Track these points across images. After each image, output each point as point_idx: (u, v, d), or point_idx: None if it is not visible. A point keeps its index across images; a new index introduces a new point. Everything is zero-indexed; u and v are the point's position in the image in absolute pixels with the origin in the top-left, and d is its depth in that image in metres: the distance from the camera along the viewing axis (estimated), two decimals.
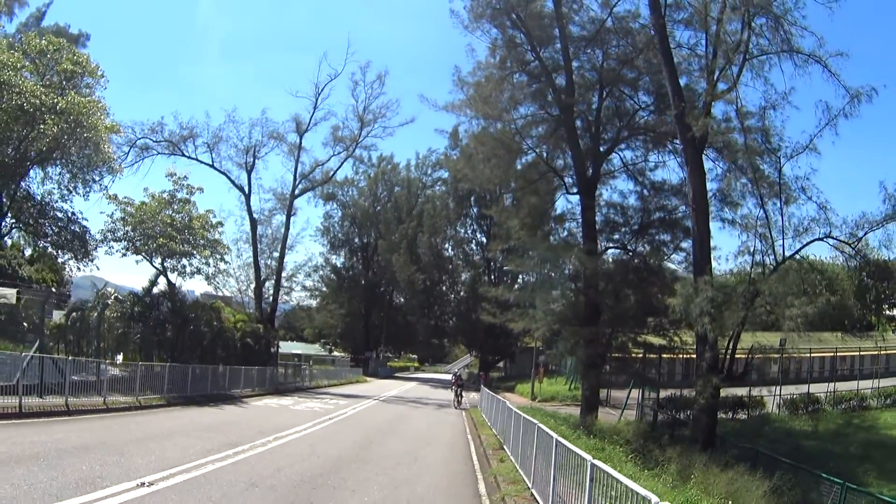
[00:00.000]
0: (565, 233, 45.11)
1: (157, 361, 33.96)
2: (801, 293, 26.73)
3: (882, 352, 52.88)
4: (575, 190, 40.14)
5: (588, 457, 9.78)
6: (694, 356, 34.83)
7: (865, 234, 28.27)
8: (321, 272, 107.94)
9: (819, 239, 28.18)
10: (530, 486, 14.57)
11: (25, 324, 32.32)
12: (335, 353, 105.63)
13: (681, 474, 19.56)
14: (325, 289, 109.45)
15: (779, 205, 29.89)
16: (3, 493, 10.51)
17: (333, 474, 15.40)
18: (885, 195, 27.55)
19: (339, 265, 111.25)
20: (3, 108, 33.04)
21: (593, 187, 39.10)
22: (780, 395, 45.15)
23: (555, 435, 12.74)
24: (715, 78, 30.13)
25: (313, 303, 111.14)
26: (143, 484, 12.16)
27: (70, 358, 26.80)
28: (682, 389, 41.37)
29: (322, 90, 65.57)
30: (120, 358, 32.79)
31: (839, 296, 28.82)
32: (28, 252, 42.86)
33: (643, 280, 38.08)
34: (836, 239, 28.15)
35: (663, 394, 40.83)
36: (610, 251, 42.38)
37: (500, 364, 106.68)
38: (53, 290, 39.72)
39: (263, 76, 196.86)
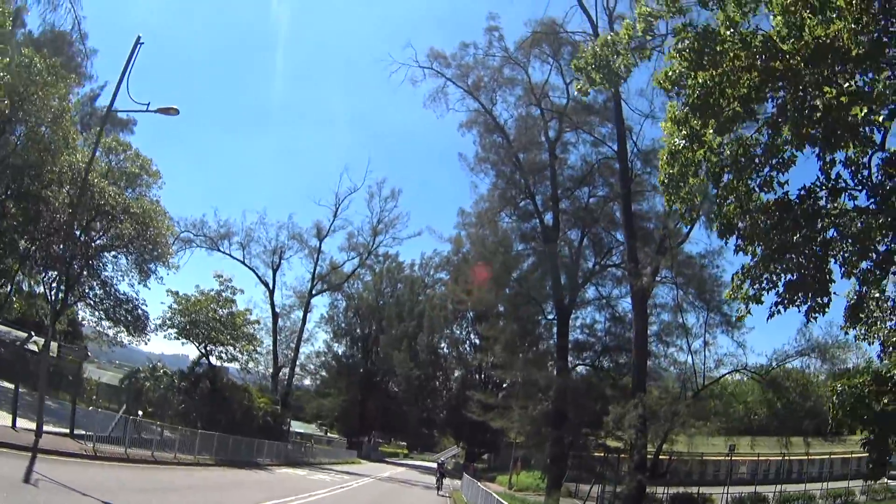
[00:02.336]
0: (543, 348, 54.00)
1: (195, 429, 41.09)
2: (710, 414, 34.97)
3: (830, 456, 55.95)
4: (552, 316, 48.69)
5: None
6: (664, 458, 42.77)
7: (774, 366, 36.43)
8: (323, 358, 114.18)
9: (735, 370, 36.44)
10: None
11: (70, 377, 38.64)
12: (330, 435, 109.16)
13: None
14: (325, 374, 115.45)
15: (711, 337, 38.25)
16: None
17: None
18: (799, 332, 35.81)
19: (340, 353, 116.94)
20: (85, 204, 41.13)
21: (568, 314, 47.71)
22: (728, 494, 49.88)
23: None
24: (666, 245, 38.68)
25: (312, 384, 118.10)
26: None
27: (144, 419, 34.16)
28: (668, 488, 48.40)
29: (342, 201, 75.45)
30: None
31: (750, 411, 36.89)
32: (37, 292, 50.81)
33: (601, 395, 46.22)
34: (748, 370, 36.32)
35: (619, 488, 48.06)
36: (579, 368, 51.01)
37: (485, 456, 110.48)
38: (76, 346, 47.36)
39: (293, 179, 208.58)
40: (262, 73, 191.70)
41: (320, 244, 76.18)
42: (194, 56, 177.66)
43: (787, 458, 58.95)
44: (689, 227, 35.53)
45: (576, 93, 15.11)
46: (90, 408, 32.58)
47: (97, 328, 50.54)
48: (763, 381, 36.71)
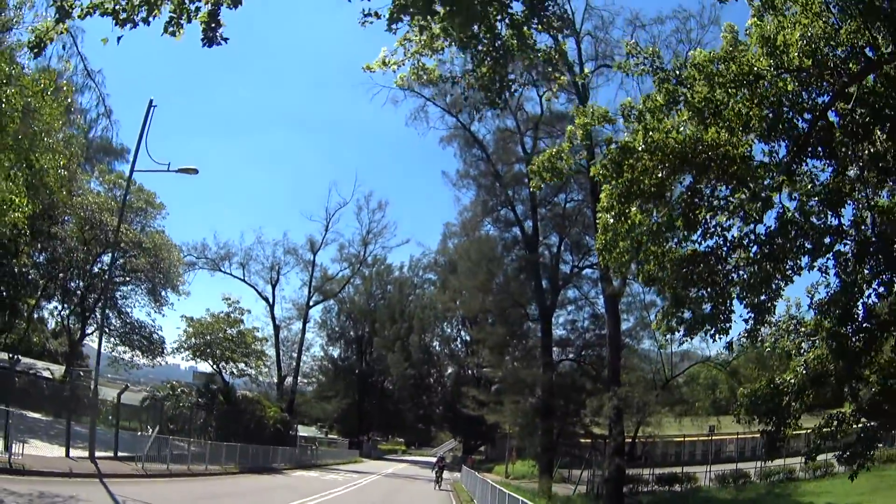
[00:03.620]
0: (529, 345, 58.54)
1: (214, 441, 44.86)
2: (678, 401, 39.40)
3: (806, 432, 60.12)
4: (536, 317, 53.02)
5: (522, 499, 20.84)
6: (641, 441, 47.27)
7: (734, 358, 40.52)
8: (320, 362, 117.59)
9: (699, 362, 40.76)
10: None
11: (84, 400, 39.30)
12: (331, 436, 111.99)
13: None
14: (322, 377, 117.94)
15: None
16: None
17: None
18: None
19: (335, 356, 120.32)
20: (100, 241, 45.02)
21: (551, 315, 52.10)
22: (711, 472, 51.55)
23: (507, 491, 24.05)
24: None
25: (311, 388, 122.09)
26: None
27: (172, 437, 38.01)
28: (640, 469, 52.62)
29: (332, 216, 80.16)
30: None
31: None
32: (51, 325, 54.85)
33: (582, 388, 50.90)
34: (711, 362, 40.67)
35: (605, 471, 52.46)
36: (564, 363, 55.55)
37: (482, 448, 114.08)
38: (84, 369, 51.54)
39: (285, 193, 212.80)
40: (244, 79, 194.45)
41: (314, 258, 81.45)
42: (174, 64, 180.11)
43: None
44: (621, 279, 39.23)
45: (530, 189, 18.33)
46: (110, 428, 34.61)
47: (113, 353, 54.55)
48: (725, 370, 41.09)
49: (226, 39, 9.28)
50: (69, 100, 31.59)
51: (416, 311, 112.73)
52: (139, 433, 37.03)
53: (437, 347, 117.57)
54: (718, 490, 49.32)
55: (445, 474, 52.27)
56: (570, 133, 15.97)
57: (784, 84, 14.11)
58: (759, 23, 14.57)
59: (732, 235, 15.29)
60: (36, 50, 9.52)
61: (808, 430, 19.22)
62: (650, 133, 14.08)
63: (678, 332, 15.79)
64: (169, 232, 54.59)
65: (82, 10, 9.20)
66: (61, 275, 48.28)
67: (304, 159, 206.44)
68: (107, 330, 52.12)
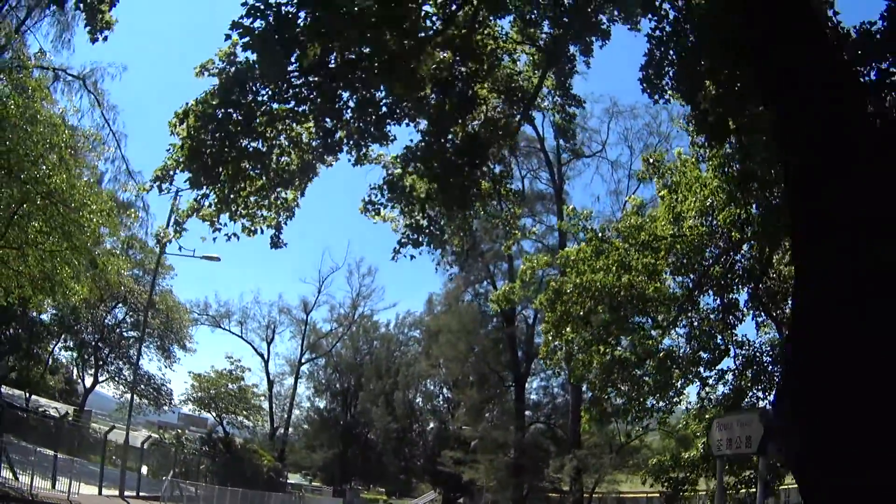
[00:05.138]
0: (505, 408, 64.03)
1: (214, 485, 49.36)
2: (626, 465, 44.74)
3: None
4: (511, 382, 58.44)
5: None
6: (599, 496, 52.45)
7: (684, 426, 45.74)
8: (306, 413, 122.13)
9: (651, 430, 45.86)
10: None
11: (90, 440, 42.57)
12: (314, 484, 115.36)
13: None
14: (308, 427, 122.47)
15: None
16: None
17: None
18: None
19: (321, 407, 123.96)
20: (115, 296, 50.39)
21: (524, 382, 57.60)
22: None
23: None
24: None
25: (296, 437, 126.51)
26: None
27: (181, 480, 42.53)
28: None
29: (325, 279, 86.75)
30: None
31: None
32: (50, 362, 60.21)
33: (547, 449, 56.36)
34: (662, 429, 45.64)
35: None
36: (536, 425, 61.02)
37: (461, 500, 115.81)
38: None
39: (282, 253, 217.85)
40: None
41: (307, 317, 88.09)
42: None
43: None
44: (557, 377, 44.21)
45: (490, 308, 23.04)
46: (115, 467, 36.84)
47: (121, 399, 59.71)
48: (674, 437, 46.23)
49: (285, 244, 14.23)
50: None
51: (400, 368, 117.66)
52: (140, 474, 40.03)
53: (419, 403, 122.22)
54: None
55: None
56: (521, 273, 21.60)
57: (681, 246, 19.53)
58: (665, 195, 20.06)
59: (642, 349, 20.65)
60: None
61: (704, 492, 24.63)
62: (580, 276, 19.52)
63: (599, 421, 21.27)
64: (174, 287, 60.34)
65: (184, 213, 13.83)
66: (76, 326, 53.62)
67: (300, 221, 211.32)
68: (118, 380, 57.50)
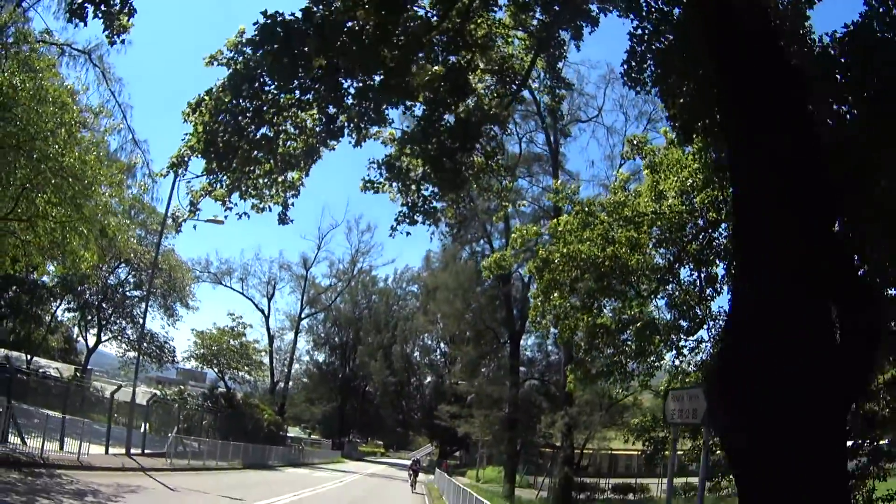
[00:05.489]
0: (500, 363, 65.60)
1: (216, 440, 50.67)
2: (615, 423, 46.31)
3: None
4: (506, 339, 59.84)
5: (482, 500, 27.12)
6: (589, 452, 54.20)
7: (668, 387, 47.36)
8: (306, 367, 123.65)
9: (640, 388, 47.29)
10: None
11: (92, 399, 43.06)
12: (314, 437, 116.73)
13: None
14: (307, 381, 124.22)
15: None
16: (235, 496, 26.65)
17: (364, 500, 34.06)
18: None
19: (320, 361, 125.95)
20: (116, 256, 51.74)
21: (519, 339, 58.93)
22: (662, 483, 54.44)
23: (473, 493, 29.83)
24: None
25: (296, 390, 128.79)
26: (295, 499, 30.59)
27: (184, 436, 43.86)
28: (583, 477, 59.45)
29: (325, 236, 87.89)
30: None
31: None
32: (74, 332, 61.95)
33: (540, 405, 58.01)
34: (650, 389, 47.14)
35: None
36: (530, 381, 62.64)
37: (457, 453, 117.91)
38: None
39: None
40: None
41: (307, 274, 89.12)
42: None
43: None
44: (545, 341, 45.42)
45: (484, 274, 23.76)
46: (121, 426, 37.76)
47: (124, 358, 61.38)
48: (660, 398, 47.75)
49: (292, 220, 15.31)
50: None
51: (398, 322, 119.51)
52: (146, 430, 40.51)
53: (417, 357, 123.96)
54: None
55: (421, 476, 56.47)
56: (512, 241, 22.78)
57: (662, 222, 20.56)
58: (648, 174, 21.06)
59: (624, 316, 21.82)
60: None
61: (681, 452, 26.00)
62: (568, 246, 20.64)
63: (583, 381, 22.60)
64: (176, 246, 61.57)
65: (198, 193, 15.00)
66: (80, 287, 54.91)
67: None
68: (121, 339, 59.02)
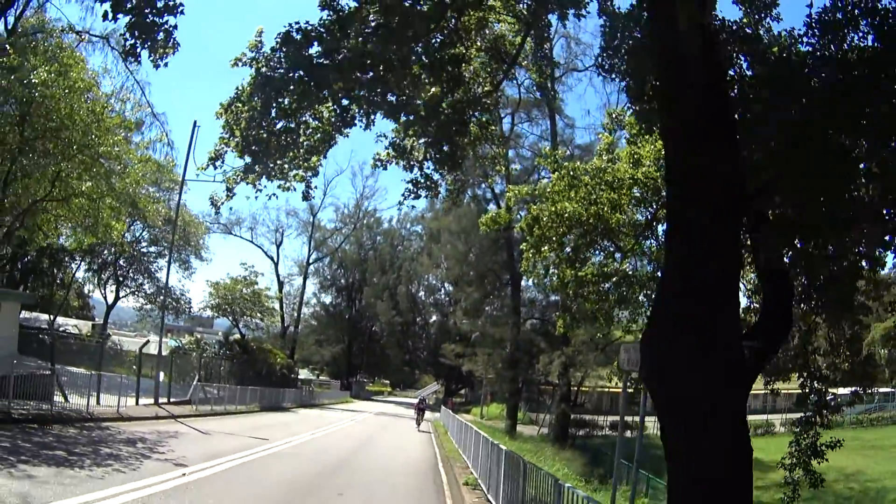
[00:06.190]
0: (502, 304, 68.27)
1: (234, 385, 52.97)
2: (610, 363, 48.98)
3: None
4: (508, 281, 62.39)
5: (487, 437, 29.58)
6: (586, 390, 57.19)
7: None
8: (313, 309, 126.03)
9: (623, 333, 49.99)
10: (462, 453, 31.33)
11: (111, 354, 45.15)
12: (322, 378, 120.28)
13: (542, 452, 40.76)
14: (314, 323, 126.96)
15: None
16: (260, 436, 29.45)
17: (374, 437, 37.02)
18: None
19: (327, 303, 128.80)
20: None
21: (520, 281, 61.38)
22: (657, 422, 62.48)
23: (473, 427, 32.27)
24: None
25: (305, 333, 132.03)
26: (313, 437, 33.30)
27: (204, 383, 46.33)
28: (580, 414, 62.66)
29: (330, 182, 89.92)
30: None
31: None
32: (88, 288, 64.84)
33: (539, 345, 60.83)
34: (632, 334, 49.95)
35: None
36: (531, 321, 65.40)
37: (462, 391, 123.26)
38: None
39: None
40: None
41: (313, 220, 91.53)
42: None
43: None
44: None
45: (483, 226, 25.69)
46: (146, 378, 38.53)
47: (141, 311, 64.56)
48: None
49: (314, 197, 17.70)
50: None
51: (403, 263, 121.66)
52: (195, 383, 42.68)
53: (422, 297, 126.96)
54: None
55: (427, 415, 58.42)
56: (507, 199, 25.11)
57: (640, 187, 22.72)
58: (628, 145, 23.17)
59: (608, 270, 24.16)
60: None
61: None
62: (555, 205, 22.90)
63: (570, 325, 25.16)
64: (187, 202, 64.23)
65: (232, 179, 17.28)
66: (98, 247, 57.29)
67: None
68: (139, 294, 61.91)
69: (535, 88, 59.88)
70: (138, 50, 12.52)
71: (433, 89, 15.49)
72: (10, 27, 30.18)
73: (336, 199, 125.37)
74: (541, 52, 19.12)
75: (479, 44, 17.75)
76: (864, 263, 13.04)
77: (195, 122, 39.91)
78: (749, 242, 12.28)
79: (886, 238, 11.99)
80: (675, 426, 9.29)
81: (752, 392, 10.88)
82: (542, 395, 72.10)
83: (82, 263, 60.52)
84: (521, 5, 17.28)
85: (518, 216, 26.35)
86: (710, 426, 8.81)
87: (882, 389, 55.38)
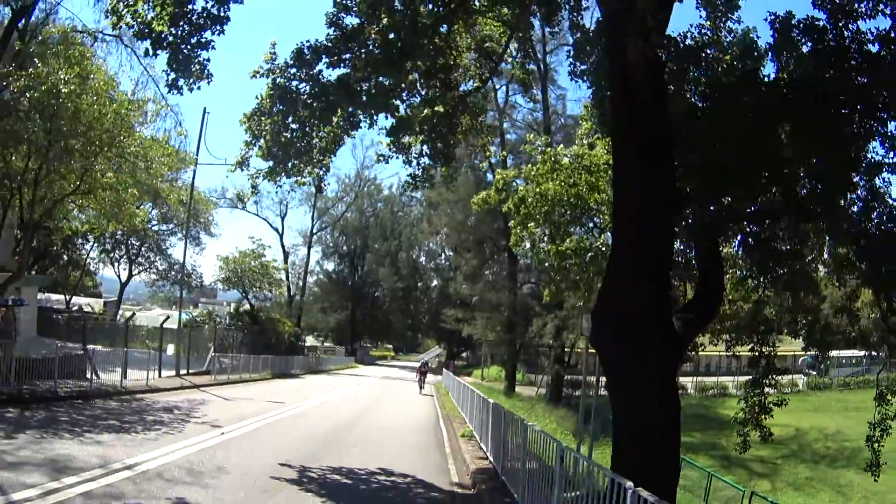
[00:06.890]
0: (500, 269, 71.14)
1: (246, 354, 55.20)
2: None
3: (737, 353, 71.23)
4: (504, 248, 64.83)
5: (483, 395, 32.14)
6: (580, 352, 59.86)
7: None
8: (317, 276, 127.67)
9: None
10: (461, 410, 33.42)
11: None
12: (327, 344, 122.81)
13: (534, 409, 43.56)
14: (318, 290, 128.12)
15: None
16: (276, 400, 32.05)
17: (379, 399, 39.88)
18: None
19: (330, 270, 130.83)
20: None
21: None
22: None
23: (472, 387, 34.72)
24: None
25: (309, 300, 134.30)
26: (324, 400, 36.02)
27: (219, 354, 48.67)
28: (574, 375, 65.29)
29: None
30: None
31: None
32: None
33: (533, 308, 63.66)
34: None
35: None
36: (526, 285, 68.14)
37: (464, 354, 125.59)
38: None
39: None
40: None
41: (316, 191, 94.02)
42: None
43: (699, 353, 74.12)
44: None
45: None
46: (151, 351, 40.71)
47: (153, 287, 67.70)
48: None
49: (324, 190, 20.34)
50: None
51: (404, 229, 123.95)
52: (211, 354, 44.48)
53: (423, 262, 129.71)
54: None
55: (430, 378, 60.38)
56: (496, 182, 27.68)
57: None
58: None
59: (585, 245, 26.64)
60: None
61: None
62: (539, 186, 25.42)
63: (555, 296, 27.88)
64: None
65: (255, 177, 19.72)
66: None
67: None
68: (151, 271, 64.85)
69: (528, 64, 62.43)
70: (180, 84, 14.99)
71: (426, 110, 17.78)
72: (26, 37, 31.69)
73: (338, 169, 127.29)
74: (524, 51, 21.63)
75: (468, 41, 20.04)
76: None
77: (205, 109, 42.91)
78: (688, 232, 14.48)
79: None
80: (617, 383, 11.85)
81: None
82: (539, 358, 75.05)
83: (95, 245, 63.07)
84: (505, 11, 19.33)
85: (514, 187, 28.53)
86: (644, 384, 11.29)
87: (857, 353, 56.48)
